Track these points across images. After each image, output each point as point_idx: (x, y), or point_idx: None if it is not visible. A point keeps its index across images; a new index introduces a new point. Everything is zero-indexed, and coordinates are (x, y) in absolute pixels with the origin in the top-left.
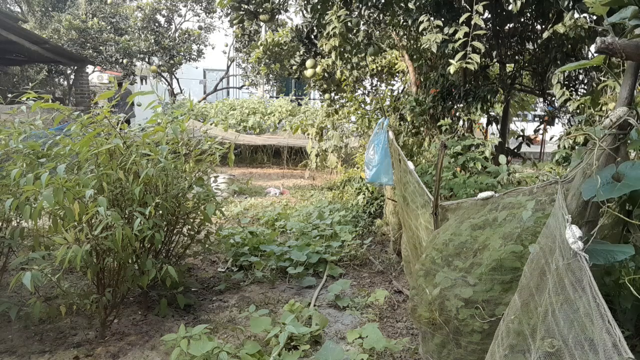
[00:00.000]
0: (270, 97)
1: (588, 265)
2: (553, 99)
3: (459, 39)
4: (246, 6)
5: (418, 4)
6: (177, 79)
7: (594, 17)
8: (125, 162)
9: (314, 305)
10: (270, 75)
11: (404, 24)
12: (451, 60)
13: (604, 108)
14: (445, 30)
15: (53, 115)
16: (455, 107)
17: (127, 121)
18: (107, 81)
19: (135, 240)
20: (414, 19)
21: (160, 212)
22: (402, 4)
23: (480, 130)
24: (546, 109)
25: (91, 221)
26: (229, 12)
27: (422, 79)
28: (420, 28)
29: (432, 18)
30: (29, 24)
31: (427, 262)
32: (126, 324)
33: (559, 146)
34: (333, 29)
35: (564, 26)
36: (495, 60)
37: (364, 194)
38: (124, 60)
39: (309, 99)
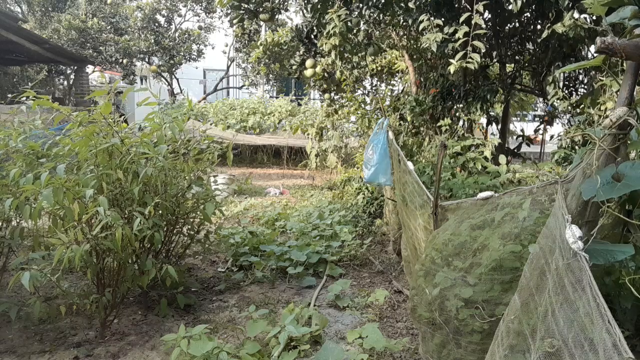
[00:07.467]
0: (270, 97)
1: (588, 265)
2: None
3: (459, 38)
4: (246, 5)
5: (418, 3)
6: (177, 79)
7: (594, 17)
8: (124, 161)
9: (314, 305)
10: (270, 75)
11: (404, 23)
12: (451, 60)
13: (602, 108)
14: (446, 29)
15: (53, 115)
16: (455, 107)
17: (125, 121)
18: (108, 81)
19: (135, 240)
20: (414, 18)
21: (160, 212)
22: (402, 4)
23: (480, 130)
24: (546, 109)
25: (91, 221)
26: (229, 12)
27: (422, 79)
28: (420, 28)
29: (432, 18)
30: (29, 24)
31: (426, 262)
32: (126, 324)
33: (559, 146)
34: (333, 28)
35: (564, 26)
36: (495, 60)
37: (364, 193)
38: (124, 60)
39: (309, 99)
